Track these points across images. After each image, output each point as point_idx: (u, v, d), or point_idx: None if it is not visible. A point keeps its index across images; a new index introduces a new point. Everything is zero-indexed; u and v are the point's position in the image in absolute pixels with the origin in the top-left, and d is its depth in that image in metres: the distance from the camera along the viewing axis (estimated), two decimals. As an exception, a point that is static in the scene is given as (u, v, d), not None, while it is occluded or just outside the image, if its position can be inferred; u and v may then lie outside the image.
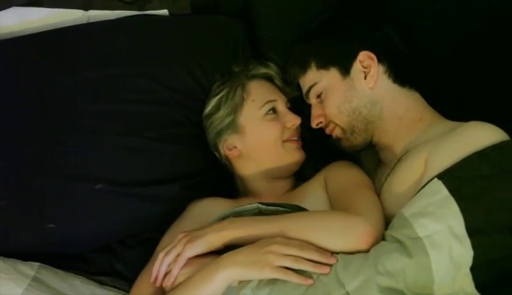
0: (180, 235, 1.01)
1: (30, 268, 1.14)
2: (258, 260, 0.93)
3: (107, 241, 1.26)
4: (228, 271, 0.94)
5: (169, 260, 0.99)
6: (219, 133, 1.24)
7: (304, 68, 1.18)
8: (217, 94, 1.25)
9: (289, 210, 1.07)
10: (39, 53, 1.28)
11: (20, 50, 1.29)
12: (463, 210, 0.89)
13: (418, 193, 0.95)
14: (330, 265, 0.92)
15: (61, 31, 1.31)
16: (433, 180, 0.93)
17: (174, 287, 0.98)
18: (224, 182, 1.30)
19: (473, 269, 0.88)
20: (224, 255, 0.96)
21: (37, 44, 1.29)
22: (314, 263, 0.93)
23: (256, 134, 1.21)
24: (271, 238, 0.96)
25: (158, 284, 1.00)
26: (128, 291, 1.16)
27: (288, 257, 0.93)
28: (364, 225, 0.95)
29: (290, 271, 0.93)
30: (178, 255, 0.98)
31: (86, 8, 1.33)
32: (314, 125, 1.20)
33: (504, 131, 0.97)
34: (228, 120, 1.22)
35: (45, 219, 1.17)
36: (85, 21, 1.33)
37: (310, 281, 0.92)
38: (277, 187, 1.24)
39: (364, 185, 1.10)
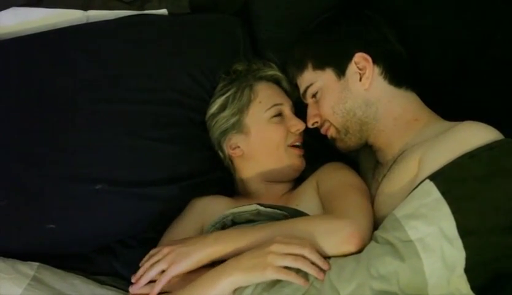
0: (166, 249, 1.01)
1: (29, 268, 1.14)
2: (259, 262, 0.93)
3: (107, 241, 1.26)
4: (231, 278, 0.94)
5: (151, 276, 0.99)
6: (224, 132, 1.24)
7: (301, 68, 1.18)
8: (223, 94, 1.25)
9: (286, 213, 1.08)
10: (39, 53, 1.28)
11: (20, 50, 1.29)
12: (455, 212, 0.89)
13: (410, 194, 0.95)
14: (324, 271, 0.92)
15: (61, 31, 1.31)
16: (424, 182, 0.93)
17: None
18: (224, 183, 1.30)
19: (467, 270, 0.88)
20: (227, 262, 0.96)
21: (37, 44, 1.29)
22: (313, 266, 0.92)
23: (261, 135, 1.22)
24: (271, 239, 0.96)
25: (135, 291, 1.00)
26: (128, 291, 1.17)
27: (288, 256, 0.93)
28: (350, 227, 0.96)
29: (293, 272, 0.92)
30: (162, 272, 0.99)
31: (85, 8, 1.33)
32: (309, 124, 1.20)
33: (503, 131, 0.97)
34: (234, 119, 1.23)
35: (45, 219, 1.18)
36: (84, 21, 1.33)
37: (307, 284, 0.92)
38: (276, 189, 1.24)
39: (352, 187, 1.09)
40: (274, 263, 0.92)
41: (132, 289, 1.01)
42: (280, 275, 0.92)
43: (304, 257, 0.93)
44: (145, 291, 1.00)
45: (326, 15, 1.20)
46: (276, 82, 1.29)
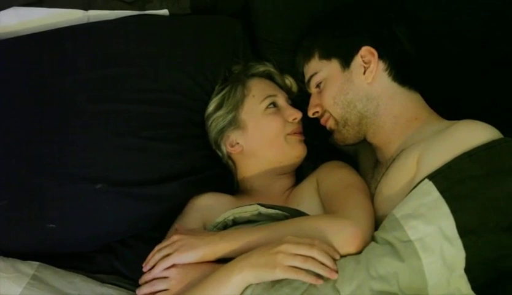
0: (175, 237, 1.03)
1: (29, 267, 1.14)
2: (269, 261, 0.93)
3: (107, 241, 1.25)
4: (242, 275, 0.94)
5: (157, 259, 1.02)
6: (221, 131, 1.25)
7: (308, 57, 1.19)
8: (218, 94, 1.26)
9: (287, 213, 1.08)
10: (39, 53, 1.28)
11: (20, 50, 1.29)
12: (454, 211, 0.89)
13: (409, 194, 0.95)
14: (337, 270, 0.92)
15: (61, 31, 1.31)
16: (423, 181, 0.93)
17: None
18: (223, 181, 1.29)
19: (467, 270, 0.88)
20: (237, 259, 0.96)
21: (37, 44, 1.29)
22: (323, 266, 0.92)
23: (258, 128, 1.22)
24: (280, 238, 0.95)
25: (145, 270, 1.03)
26: (129, 289, 1.17)
27: (298, 257, 0.92)
28: (351, 228, 0.96)
29: (302, 271, 0.91)
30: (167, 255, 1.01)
31: (86, 8, 1.33)
32: (310, 114, 1.21)
33: (503, 131, 0.97)
34: (230, 116, 1.23)
35: (45, 219, 1.17)
36: (85, 21, 1.33)
37: (320, 281, 0.91)
38: (278, 185, 1.24)
39: (353, 186, 1.09)
40: (283, 262, 0.91)
41: (141, 283, 1.04)
42: (289, 274, 0.91)
43: (313, 259, 0.92)
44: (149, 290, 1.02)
45: (339, 8, 1.21)
46: (269, 77, 1.30)
